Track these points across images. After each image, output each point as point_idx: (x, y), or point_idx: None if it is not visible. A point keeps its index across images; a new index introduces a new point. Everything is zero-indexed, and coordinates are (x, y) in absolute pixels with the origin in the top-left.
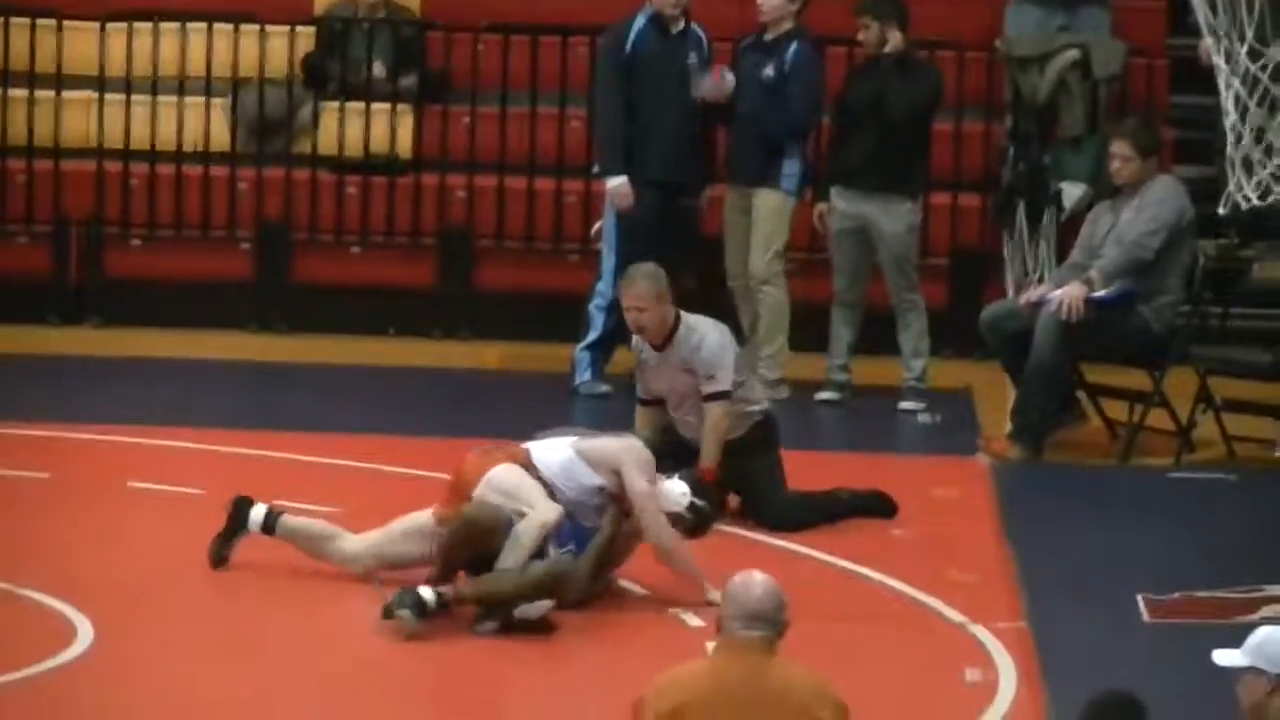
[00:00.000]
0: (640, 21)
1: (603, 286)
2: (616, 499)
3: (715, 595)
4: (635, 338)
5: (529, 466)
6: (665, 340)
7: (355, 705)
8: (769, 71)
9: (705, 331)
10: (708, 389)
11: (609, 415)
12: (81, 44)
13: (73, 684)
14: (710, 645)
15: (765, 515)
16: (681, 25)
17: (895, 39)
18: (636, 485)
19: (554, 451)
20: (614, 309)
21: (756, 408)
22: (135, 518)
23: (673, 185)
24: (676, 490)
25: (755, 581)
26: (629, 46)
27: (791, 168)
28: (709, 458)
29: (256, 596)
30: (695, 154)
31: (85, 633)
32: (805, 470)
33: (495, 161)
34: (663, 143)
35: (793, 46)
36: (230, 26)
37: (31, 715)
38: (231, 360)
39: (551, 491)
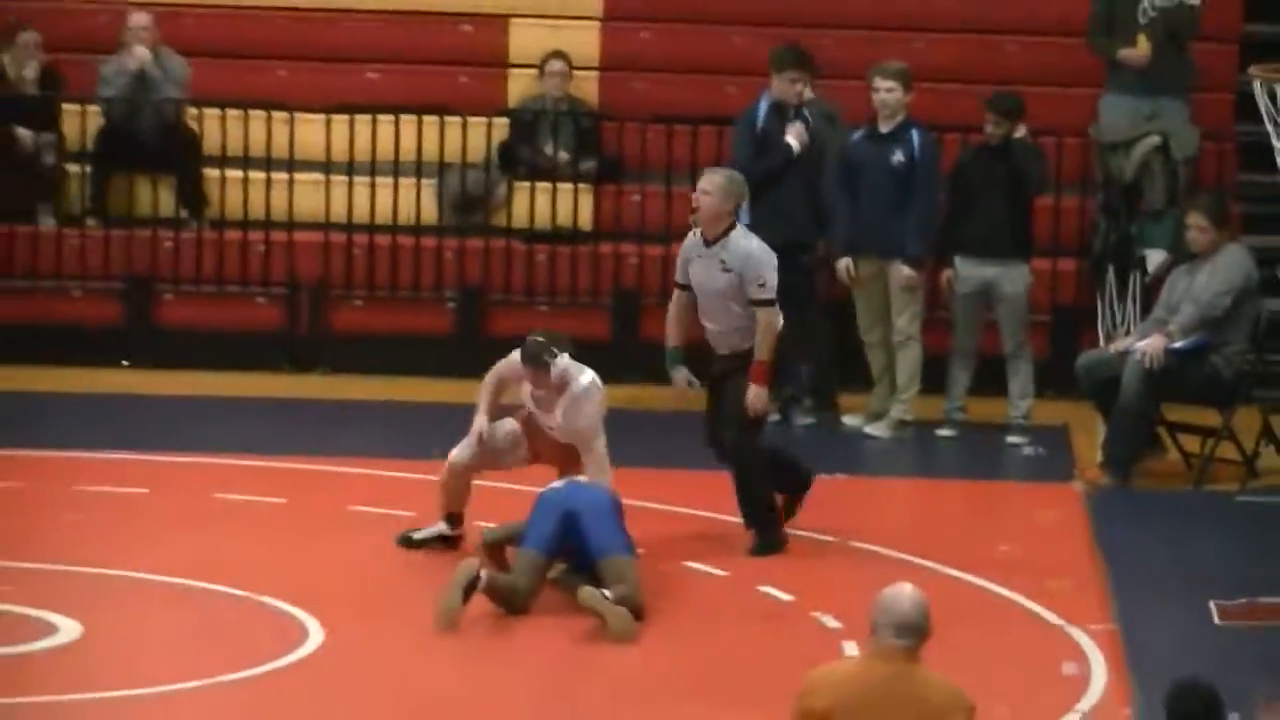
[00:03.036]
0: (764, 105)
1: None
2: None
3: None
4: (690, 239)
5: None
6: (716, 237)
7: (560, 701)
8: (899, 158)
9: (755, 244)
10: (755, 295)
11: (779, 437)
12: (310, 133)
13: (305, 678)
14: (847, 645)
15: (721, 431)
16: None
17: (1022, 130)
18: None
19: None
20: None
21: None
22: (358, 536)
23: (795, 246)
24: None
25: (905, 595)
26: (760, 125)
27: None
28: (762, 354)
29: (473, 603)
30: (810, 219)
31: (316, 634)
32: (926, 496)
33: (661, 232)
34: (786, 210)
35: (915, 136)
36: (437, 118)
37: (269, 704)
38: (437, 401)
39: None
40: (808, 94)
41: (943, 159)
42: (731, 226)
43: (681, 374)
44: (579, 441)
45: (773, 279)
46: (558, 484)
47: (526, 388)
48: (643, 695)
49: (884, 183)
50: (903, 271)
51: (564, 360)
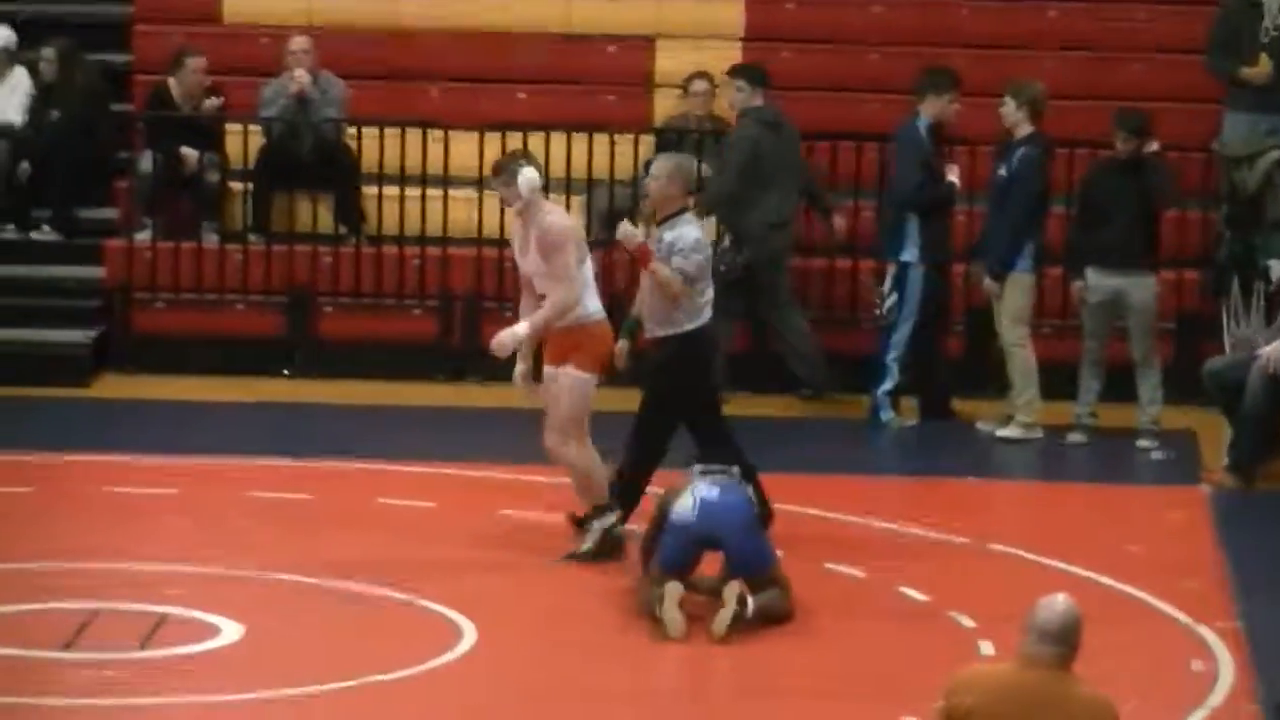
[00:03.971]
0: (924, 128)
1: (896, 339)
2: None
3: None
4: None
5: None
6: (665, 218)
7: (699, 698)
8: (1002, 172)
9: (689, 231)
10: (676, 265)
11: (915, 442)
12: (464, 151)
13: (459, 678)
14: (983, 644)
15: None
16: None
17: (1154, 145)
18: None
19: None
20: (904, 363)
21: (675, 331)
22: (511, 540)
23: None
24: None
25: (1057, 607)
26: (926, 150)
27: (1028, 251)
28: (654, 266)
29: (617, 603)
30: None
31: (470, 635)
32: (1058, 499)
33: (799, 241)
34: (945, 232)
35: (1019, 151)
36: (585, 136)
37: (424, 703)
38: None
39: None
40: (757, 101)
41: (1072, 174)
42: (682, 210)
43: (623, 345)
44: (550, 253)
45: (689, 264)
46: (688, 508)
47: (515, 240)
48: (779, 692)
49: (994, 195)
50: (984, 281)
51: (529, 175)
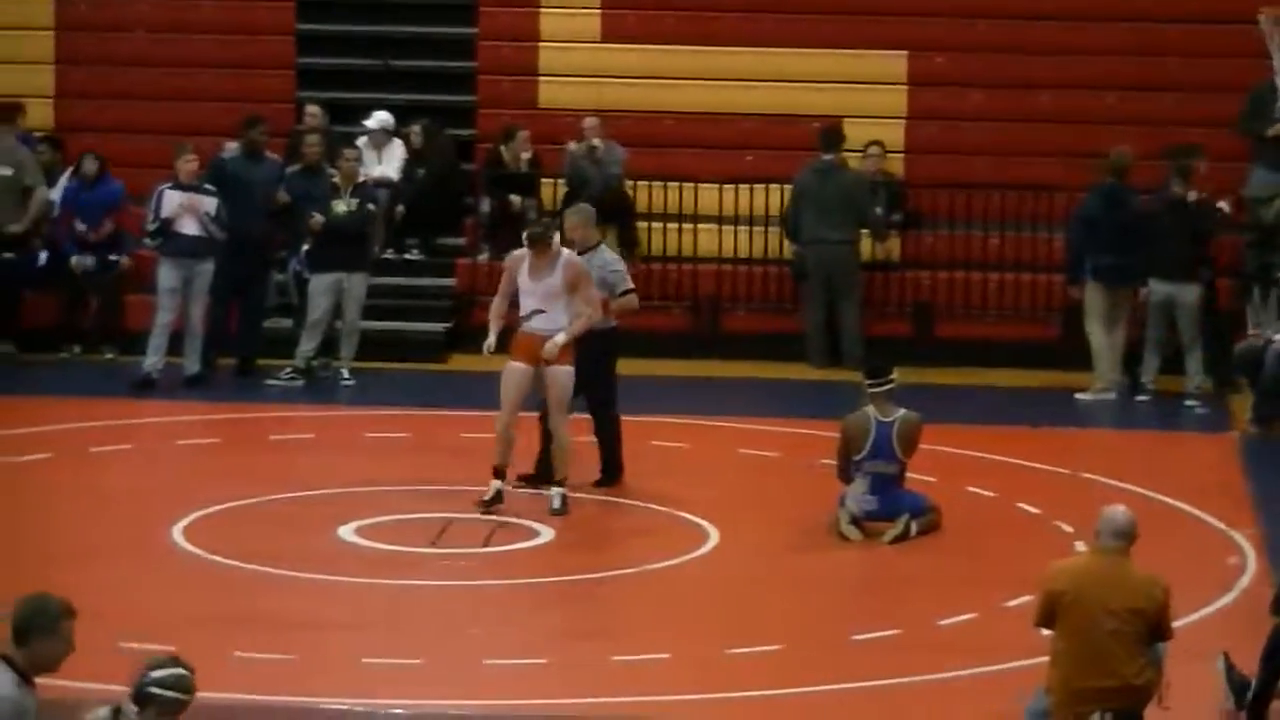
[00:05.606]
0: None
1: None
2: None
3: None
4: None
5: None
6: (583, 251)
7: (864, 582)
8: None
9: (609, 256)
10: (620, 288)
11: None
12: (708, 197)
13: (707, 566)
14: (1078, 544)
15: (589, 392)
16: None
17: (1195, 191)
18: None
19: None
20: None
21: (605, 325)
22: (740, 470)
23: None
24: None
25: (1119, 511)
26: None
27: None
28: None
29: (817, 518)
30: None
31: (714, 537)
32: (1133, 443)
33: (947, 262)
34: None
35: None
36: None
37: (685, 583)
38: (801, 379)
39: None
40: (824, 156)
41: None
42: (600, 242)
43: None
44: (579, 283)
45: (625, 281)
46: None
47: (524, 270)
48: (924, 579)
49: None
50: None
51: (555, 235)
